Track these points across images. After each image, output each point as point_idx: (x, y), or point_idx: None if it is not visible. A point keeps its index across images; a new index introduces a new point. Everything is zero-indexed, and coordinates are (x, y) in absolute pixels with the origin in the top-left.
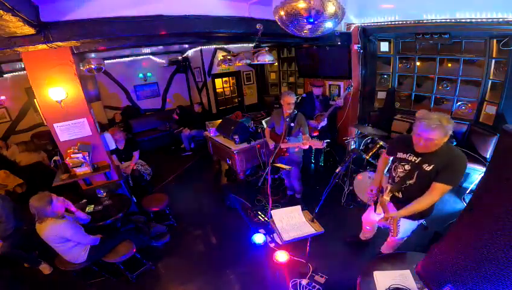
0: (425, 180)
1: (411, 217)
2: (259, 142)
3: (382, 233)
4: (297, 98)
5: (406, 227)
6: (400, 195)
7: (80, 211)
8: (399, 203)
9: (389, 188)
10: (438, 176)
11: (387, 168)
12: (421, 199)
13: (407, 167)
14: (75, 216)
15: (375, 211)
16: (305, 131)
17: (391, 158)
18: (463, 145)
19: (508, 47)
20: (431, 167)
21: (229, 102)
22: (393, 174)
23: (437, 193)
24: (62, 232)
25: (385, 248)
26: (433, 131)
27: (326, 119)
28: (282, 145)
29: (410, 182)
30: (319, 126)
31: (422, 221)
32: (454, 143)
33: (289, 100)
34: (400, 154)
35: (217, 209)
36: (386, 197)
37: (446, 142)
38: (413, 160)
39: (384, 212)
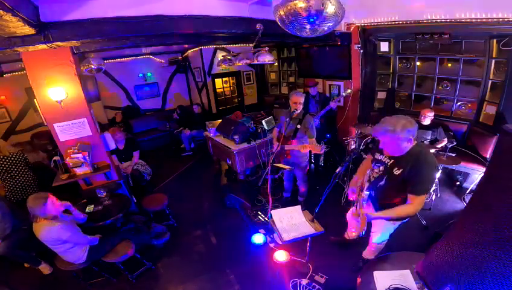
0: (394, 183)
1: (390, 219)
2: (259, 142)
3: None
4: None
5: (384, 229)
6: (372, 193)
7: (77, 211)
8: (374, 201)
9: (366, 186)
10: (410, 186)
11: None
12: (402, 207)
13: (381, 168)
14: (72, 216)
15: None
16: (310, 135)
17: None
18: (463, 145)
19: (508, 47)
20: (399, 172)
21: (229, 102)
22: (370, 174)
23: (419, 204)
24: (58, 235)
25: (367, 253)
26: (381, 135)
27: (317, 119)
28: (286, 147)
29: (381, 183)
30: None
31: (400, 223)
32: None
33: (295, 99)
34: (377, 155)
35: (217, 209)
36: (364, 195)
37: (417, 146)
38: (386, 162)
39: (357, 207)
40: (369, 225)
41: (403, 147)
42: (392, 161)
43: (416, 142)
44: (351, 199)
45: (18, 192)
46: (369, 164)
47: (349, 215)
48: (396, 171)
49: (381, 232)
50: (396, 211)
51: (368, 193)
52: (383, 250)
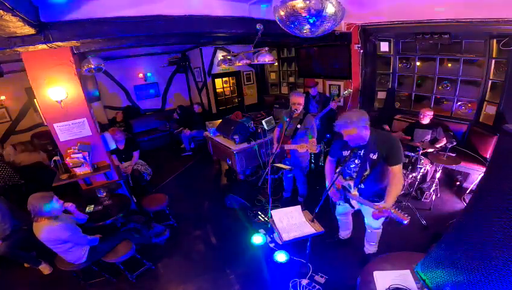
0: (377, 167)
1: (374, 202)
2: (259, 142)
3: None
4: None
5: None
6: (362, 186)
7: (78, 211)
8: (364, 194)
9: (352, 183)
10: (390, 160)
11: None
12: (393, 185)
13: (357, 161)
14: (73, 216)
15: (351, 207)
16: (311, 135)
17: (335, 159)
18: (463, 145)
19: (508, 47)
20: (376, 155)
21: (229, 102)
22: (348, 171)
23: (400, 173)
24: (58, 235)
25: (368, 248)
26: (345, 127)
27: (317, 120)
28: (286, 147)
29: (366, 173)
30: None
31: (382, 202)
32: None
33: (294, 100)
34: (345, 153)
35: (217, 209)
36: (355, 192)
37: (375, 130)
38: (357, 153)
39: (364, 205)
40: (359, 214)
41: (363, 135)
42: (363, 150)
43: (370, 128)
44: (336, 200)
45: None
46: (332, 165)
47: (338, 213)
48: (373, 156)
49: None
50: (394, 191)
51: (356, 188)
52: (382, 249)
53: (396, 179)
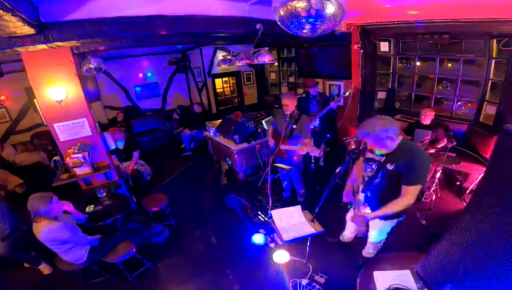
0: (388, 179)
1: (384, 217)
2: (259, 142)
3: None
4: None
5: (381, 228)
6: (369, 194)
7: (77, 211)
8: (369, 202)
9: (361, 187)
10: (405, 177)
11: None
12: (397, 203)
13: (374, 166)
14: (72, 216)
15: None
16: (306, 135)
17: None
18: (463, 145)
19: (508, 47)
20: (393, 167)
21: (229, 102)
22: (364, 174)
23: (411, 195)
24: (58, 235)
25: (366, 252)
26: (364, 138)
27: (318, 119)
28: (282, 147)
29: (376, 181)
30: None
31: (396, 221)
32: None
33: (283, 102)
34: (368, 154)
35: (217, 209)
36: (360, 197)
37: (406, 141)
38: (379, 159)
39: (355, 209)
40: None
41: (388, 145)
42: (384, 157)
43: (401, 137)
44: (346, 201)
45: None
46: (361, 164)
47: (348, 216)
48: (390, 166)
49: (378, 231)
50: (391, 207)
51: (363, 194)
52: (382, 249)
53: (405, 199)
